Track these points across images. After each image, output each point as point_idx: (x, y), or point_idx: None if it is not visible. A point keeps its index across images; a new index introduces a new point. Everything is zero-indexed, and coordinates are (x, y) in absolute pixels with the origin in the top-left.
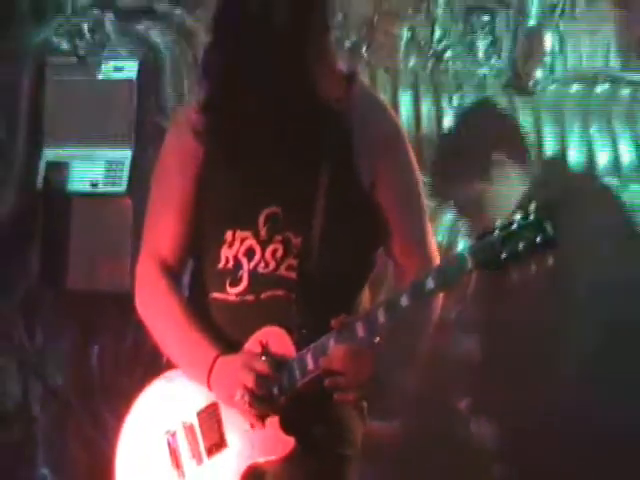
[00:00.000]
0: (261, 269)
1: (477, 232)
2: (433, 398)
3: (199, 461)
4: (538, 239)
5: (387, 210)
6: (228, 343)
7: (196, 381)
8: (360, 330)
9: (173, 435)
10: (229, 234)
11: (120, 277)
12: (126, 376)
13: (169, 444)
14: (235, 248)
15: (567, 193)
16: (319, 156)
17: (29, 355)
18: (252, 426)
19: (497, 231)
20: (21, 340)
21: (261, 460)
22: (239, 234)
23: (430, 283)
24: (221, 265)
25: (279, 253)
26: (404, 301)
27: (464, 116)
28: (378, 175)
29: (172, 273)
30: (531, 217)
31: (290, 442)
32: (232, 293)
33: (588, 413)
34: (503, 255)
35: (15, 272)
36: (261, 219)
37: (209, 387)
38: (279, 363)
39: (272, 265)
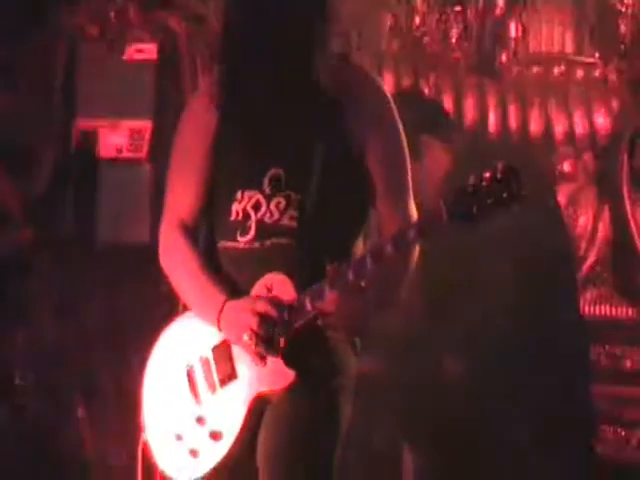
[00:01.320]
0: (267, 219)
1: (453, 187)
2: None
3: (213, 390)
4: (504, 195)
5: (375, 176)
6: (237, 287)
7: (208, 323)
8: (350, 276)
9: (191, 367)
10: (239, 193)
11: (141, 231)
12: (147, 316)
13: (188, 375)
14: (244, 203)
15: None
16: (316, 126)
17: (64, 300)
18: (256, 363)
19: (470, 187)
20: (57, 287)
21: (266, 390)
22: (247, 193)
23: (411, 233)
24: (232, 217)
25: (282, 205)
26: (388, 249)
27: None
28: (367, 146)
29: (189, 229)
30: (499, 176)
31: (290, 375)
32: (242, 241)
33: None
34: (474, 209)
35: (51, 228)
36: (266, 179)
37: (219, 328)
38: (281, 305)
39: (276, 215)
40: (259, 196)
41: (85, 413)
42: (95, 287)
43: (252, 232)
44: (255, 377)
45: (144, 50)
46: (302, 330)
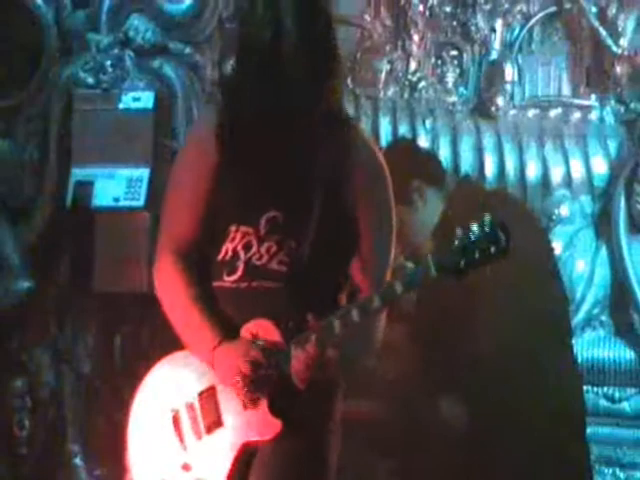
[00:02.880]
0: (255, 260)
1: (440, 240)
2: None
3: (199, 437)
4: (492, 249)
5: (361, 234)
6: (229, 325)
7: (202, 361)
8: (337, 327)
9: (177, 413)
10: (233, 228)
11: (138, 280)
12: (144, 362)
13: (174, 420)
14: (235, 242)
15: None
16: (316, 177)
17: (61, 347)
18: (245, 407)
19: (457, 241)
20: (55, 334)
21: (253, 439)
22: (242, 228)
23: (398, 287)
24: (220, 257)
25: (273, 249)
26: (376, 304)
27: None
28: (358, 210)
29: (187, 261)
30: (487, 229)
31: (277, 424)
32: (228, 280)
33: None
34: (462, 263)
35: (48, 278)
36: (263, 220)
37: (212, 368)
38: (270, 350)
39: (265, 258)
40: (252, 236)
41: (82, 460)
42: (91, 334)
43: (240, 272)
44: (242, 425)
45: (140, 98)
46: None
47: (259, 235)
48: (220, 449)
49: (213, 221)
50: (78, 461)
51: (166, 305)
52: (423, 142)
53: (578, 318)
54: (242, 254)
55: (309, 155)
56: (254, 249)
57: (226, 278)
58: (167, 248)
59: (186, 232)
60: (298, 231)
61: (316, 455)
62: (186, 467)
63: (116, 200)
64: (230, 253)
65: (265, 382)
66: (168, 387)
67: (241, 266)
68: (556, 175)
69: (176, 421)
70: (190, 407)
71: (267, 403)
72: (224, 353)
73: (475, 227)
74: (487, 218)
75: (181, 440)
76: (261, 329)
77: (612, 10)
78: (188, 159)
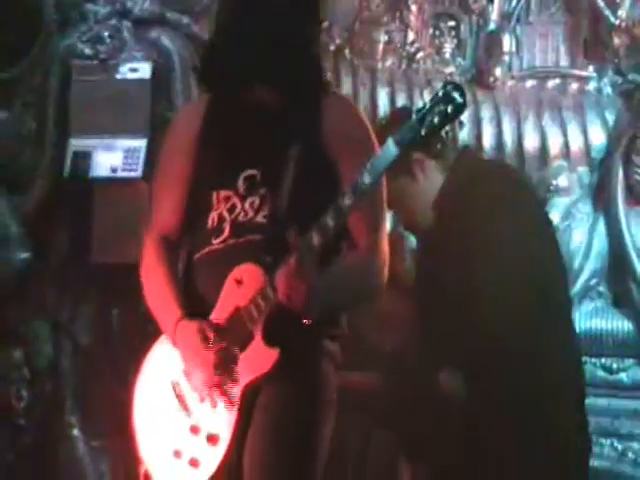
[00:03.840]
0: (241, 218)
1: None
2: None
3: (202, 399)
4: (449, 109)
5: (345, 184)
6: (204, 302)
7: (168, 337)
8: (315, 238)
9: (176, 382)
10: (214, 195)
11: (135, 250)
12: (140, 334)
13: (174, 391)
14: (220, 208)
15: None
16: (292, 135)
17: (60, 318)
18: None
19: (414, 115)
20: (53, 305)
21: (252, 377)
22: (222, 193)
23: (366, 178)
24: (209, 225)
25: (256, 204)
26: (347, 201)
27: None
28: (340, 161)
29: (169, 242)
30: (440, 93)
31: (274, 354)
32: (216, 242)
33: None
34: (423, 132)
35: (46, 249)
36: (241, 180)
37: (175, 344)
38: (222, 329)
39: (251, 214)
40: (234, 198)
41: (80, 432)
42: (90, 306)
43: (227, 232)
44: (239, 370)
45: (138, 69)
46: (276, 314)
47: (240, 194)
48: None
49: (197, 195)
50: (76, 432)
51: (144, 283)
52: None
53: (576, 289)
54: (227, 216)
55: (282, 116)
56: (238, 208)
57: (214, 241)
58: (152, 232)
59: (168, 219)
60: (276, 184)
61: (312, 397)
62: (194, 429)
63: (114, 171)
64: (217, 219)
65: (229, 358)
66: (166, 362)
67: (227, 227)
68: (554, 146)
69: (177, 390)
70: (187, 373)
71: (260, 334)
72: (182, 335)
73: (430, 98)
74: (442, 85)
75: (185, 407)
76: (244, 272)
77: None
78: (168, 145)
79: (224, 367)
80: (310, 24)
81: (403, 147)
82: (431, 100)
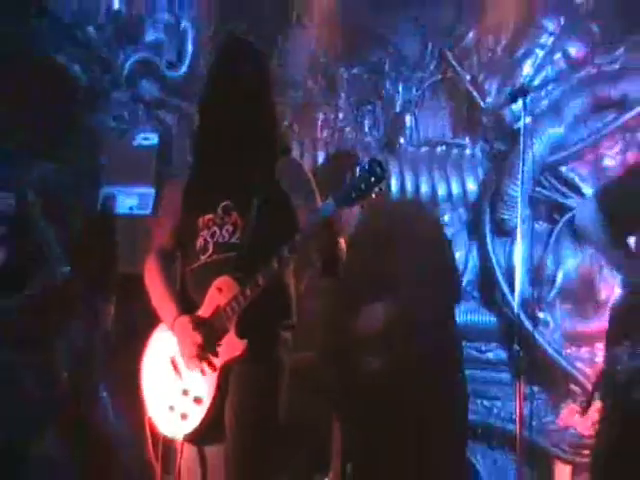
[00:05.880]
0: (220, 240)
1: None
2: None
3: (191, 369)
4: (372, 179)
5: (297, 211)
6: (194, 302)
7: (168, 328)
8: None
9: (173, 357)
10: (200, 220)
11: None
12: (150, 322)
13: (172, 363)
14: (205, 233)
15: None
16: (257, 180)
17: (91, 314)
18: (203, 371)
19: (348, 182)
20: (87, 305)
21: (227, 358)
22: (206, 216)
23: (314, 218)
24: (198, 246)
25: (230, 230)
26: (299, 241)
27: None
28: (293, 195)
29: (166, 256)
30: (366, 167)
31: (243, 343)
32: (203, 258)
33: None
34: (353, 195)
35: (83, 264)
36: (220, 208)
37: (172, 331)
38: (205, 323)
39: (227, 237)
40: (215, 227)
41: (107, 393)
42: (115, 305)
43: (210, 250)
44: (220, 352)
45: (149, 138)
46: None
47: (218, 222)
48: (208, 372)
49: (187, 220)
50: (104, 394)
51: (148, 287)
52: None
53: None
54: (210, 240)
55: (250, 167)
56: (217, 234)
57: (202, 257)
58: (152, 251)
59: (165, 242)
60: (245, 213)
61: (272, 372)
62: (185, 392)
63: (131, 209)
64: (202, 242)
65: (211, 340)
66: (166, 343)
67: (211, 247)
68: (441, 193)
69: (173, 363)
70: (181, 350)
71: (234, 328)
72: (179, 325)
73: (357, 170)
74: (365, 161)
75: (179, 375)
76: (222, 283)
77: (481, 77)
78: (165, 196)
79: (207, 346)
80: (272, 109)
81: (339, 206)
82: (360, 172)
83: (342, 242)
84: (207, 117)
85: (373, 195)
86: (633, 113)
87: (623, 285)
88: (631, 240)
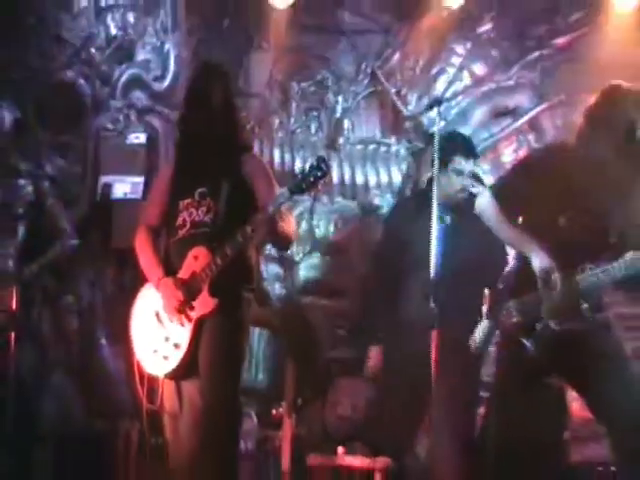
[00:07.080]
0: (196, 218)
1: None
2: None
3: (171, 320)
4: (319, 173)
5: (258, 199)
6: (174, 266)
7: (154, 286)
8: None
9: (157, 311)
10: (181, 203)
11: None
12: (139, 287)
13: (157, 316)
14: (184, 213)
15: None
16: (227, 171)
17: (94, 279)
18: (183, 321)
19: (300, 175)
20: (91, 271)
21: (201, 313)
22: (186, 201)
23: (275, 206)
24: (178, 223)
25: (204, 209)
26: (261, 217)
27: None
28: (254, 184)
29: (153, 228)
30: (314, 163)
31: (214, 301)
32: (181, 233)
33: None
34: (303, 185)
35: (84, 241)
36: (197, 193)
37: (157, 289)
38: (184, 284)
39: (202, 216)
40: (192, 206)
41: (106, 342)
42: (111, 270)
43: (188, 226)
44: (195, 307)
45: (139, 137)
46: (217, 277)
47: (195, 204)
48: (185, 323)
49: (171, 202)
50: (103, 341)
51: (138, 253)
52: (299, 164)
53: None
54: (188, 218)
55: (220, 161)
56: (194, 213)
57: (180, 232)
58: (142, 224)
59: (153, 218)
60: (216, 198)
61: (238, 324)
62: (166, 339)
63: (125, 195)
64: (182, 220)
65: (189, 295)
66: (151, 298)
67: (188, 224)
68: (372, 182)
69: (157, 316)
70: (164, 304)
71: (207, 289)
72: (162, 284)
73: (307, 166)
74: (315, 158)
75: (162, 325)
76: (198, 251)
77: (404, 90)
78: (157, 178)
79: (186, 301)
80: (236, 116)
81: (292, 194)
82: (309, 168)
83: (291, 220)
84: (186, 122)
85: (319, 187)
86: (525, 119)
87: (515, 257)
88: (520, 219)
